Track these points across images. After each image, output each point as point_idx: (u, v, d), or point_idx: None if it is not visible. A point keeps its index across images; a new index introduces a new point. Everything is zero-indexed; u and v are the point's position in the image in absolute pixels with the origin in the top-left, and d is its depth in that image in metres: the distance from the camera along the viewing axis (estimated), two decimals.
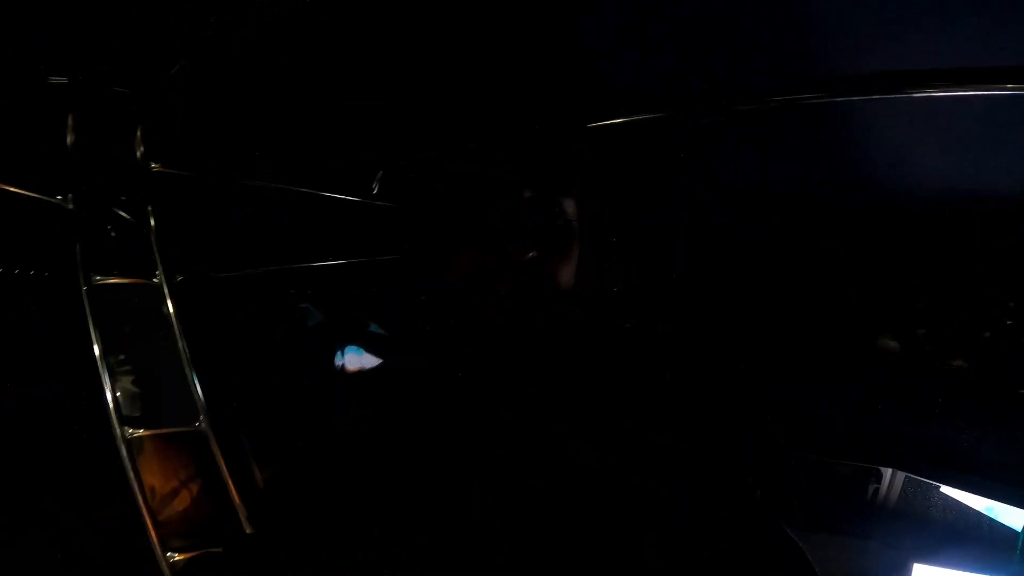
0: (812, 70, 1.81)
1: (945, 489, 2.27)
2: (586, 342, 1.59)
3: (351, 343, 3.13)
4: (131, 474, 2.00)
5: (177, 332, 2.06)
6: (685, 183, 2.11)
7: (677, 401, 1.65)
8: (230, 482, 2.13)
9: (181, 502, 2.10)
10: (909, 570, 2.24)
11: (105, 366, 1.96)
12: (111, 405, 1.97)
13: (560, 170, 1.44)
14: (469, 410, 1.41)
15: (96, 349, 1.95)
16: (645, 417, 1.48)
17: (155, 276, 2.02)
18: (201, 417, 2.09)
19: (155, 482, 2.05)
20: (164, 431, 2.06)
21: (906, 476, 2.27)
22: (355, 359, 3.16)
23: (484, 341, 1.46)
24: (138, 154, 1.94)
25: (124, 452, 2.00)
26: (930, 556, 2.25)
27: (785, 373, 2.25)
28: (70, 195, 1.90)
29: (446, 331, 1.51)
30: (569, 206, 1.36)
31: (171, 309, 2.04)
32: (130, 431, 2.00)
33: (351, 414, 1.58)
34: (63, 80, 1.70)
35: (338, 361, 3.10)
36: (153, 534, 2.03)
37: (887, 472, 2.28)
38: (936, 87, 1.71)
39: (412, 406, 1.50)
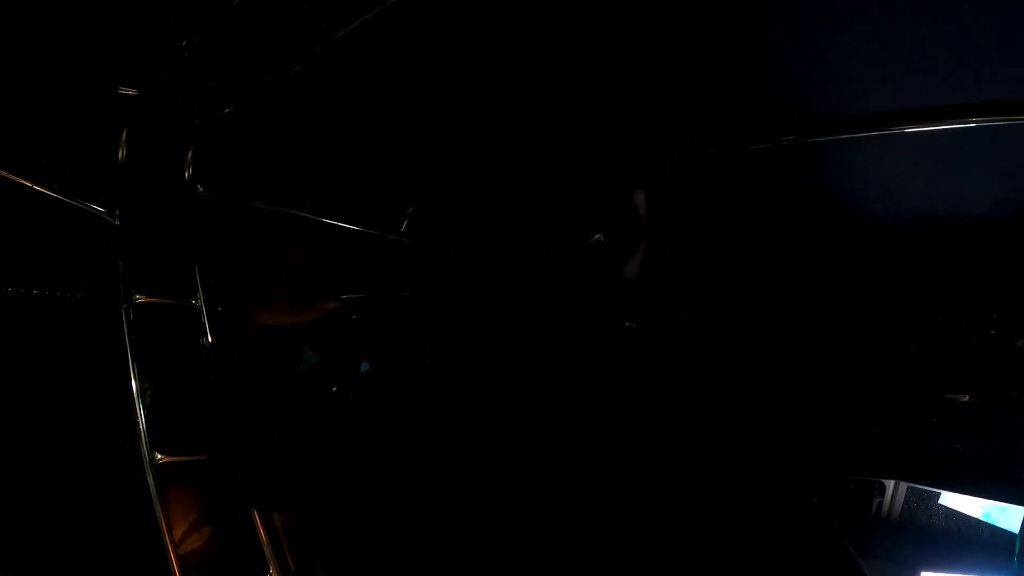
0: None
1: (944, 498, 2.41)
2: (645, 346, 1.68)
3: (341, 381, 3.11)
4: (156, 500, 1.92)
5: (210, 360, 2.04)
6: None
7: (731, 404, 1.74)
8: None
9: (204, 530, 2.01)
10: None
11: (139, 387, 1.91)
12: (142, 428, 1.91)
13: (633, 172, 1.55)
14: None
15: (132, 368, 1.90)
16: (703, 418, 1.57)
17: (195, 299, 2.01)
18: None
19: (180, 508, 1.97)
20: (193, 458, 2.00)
21: (908, 487, 2.39)
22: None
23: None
24: (186, 176, 1.98)
25: (151, 477, 1.92)
26: (935, 564, 2.36)
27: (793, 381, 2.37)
28: (117, 211, 1.90)
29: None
30: (639, 199, 1.47)
31: (209, 338, 2.02)
32: (159, 456, 1.93)
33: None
34: (133, 92, 1.74)
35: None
36: (175, 563, 1.93)
37: (890, 484, 2.40)
38: (919, 123, 1.96)
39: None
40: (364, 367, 3.22)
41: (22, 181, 1.71)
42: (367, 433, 2.17)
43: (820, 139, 2.06)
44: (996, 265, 2.13)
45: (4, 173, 1.71)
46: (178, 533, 1.94)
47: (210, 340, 2.03)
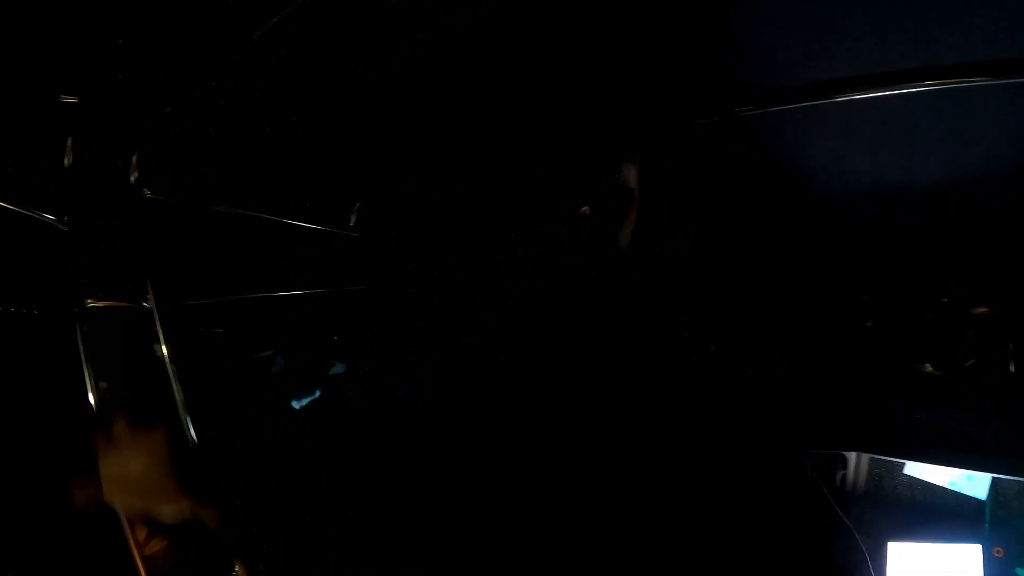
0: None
1: (909, 468, 2.41)
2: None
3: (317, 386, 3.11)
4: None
5: (168, 364, 2.05)
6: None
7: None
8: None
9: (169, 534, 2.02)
10: (884, 549, 2.33)
11: (96, 392, 1.93)
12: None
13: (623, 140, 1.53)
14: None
15: (87, 376, 1.92)
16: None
17: (146, 301, 2.03)
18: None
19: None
20: None
21: (871, 458, 2.39)
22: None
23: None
24: (132, 179, 2.00)
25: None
26: (902, 533, 2.35)
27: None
28: (65, 217, 1.92)
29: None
30: (629, 172, 1.44)
31: (162, 338, 2.03)
32: None
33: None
34: (74, 100, 1.77)
35: (296, 404, 3.06)
36: (140, 566, 1.94)
37: (852, 456, 2.40)
38: (859, 91, 1.95)
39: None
40: (337, 368, 3.23)
41: None
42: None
43: (755, 112, 2.05)
44: (947, 233, 2.13)
45: None
46: (142, 536, 1.96)
47: (163, 342, 2.04)
